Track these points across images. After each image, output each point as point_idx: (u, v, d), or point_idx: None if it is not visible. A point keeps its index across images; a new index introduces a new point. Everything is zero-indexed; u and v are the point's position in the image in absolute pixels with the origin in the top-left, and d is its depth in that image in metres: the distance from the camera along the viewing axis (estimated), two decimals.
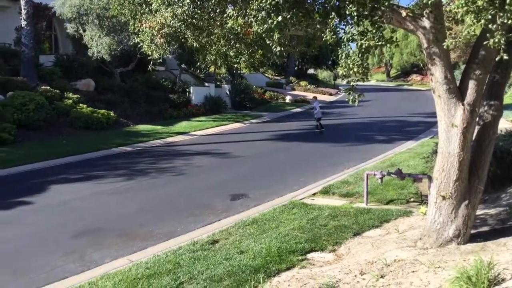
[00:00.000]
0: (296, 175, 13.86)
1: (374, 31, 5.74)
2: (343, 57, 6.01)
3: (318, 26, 6.49)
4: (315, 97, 24.13)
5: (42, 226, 10.09)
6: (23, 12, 23.33)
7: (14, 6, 26.77)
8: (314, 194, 11.58)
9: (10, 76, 22.79)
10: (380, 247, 7.17)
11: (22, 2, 23.26)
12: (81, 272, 7.58)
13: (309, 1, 6.38)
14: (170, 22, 8.37)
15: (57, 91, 23.01)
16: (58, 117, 21.75)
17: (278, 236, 8.12)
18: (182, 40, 10.03)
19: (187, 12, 8.05)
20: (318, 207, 10.15)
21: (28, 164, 15.99)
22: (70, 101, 22.84)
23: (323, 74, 71.97)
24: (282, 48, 6.49)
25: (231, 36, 8.94)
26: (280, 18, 5.75)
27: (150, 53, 10.34)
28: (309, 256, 7.33)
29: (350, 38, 5.81)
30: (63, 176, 14.63)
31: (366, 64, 5.97)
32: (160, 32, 9.06)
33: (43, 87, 22.89)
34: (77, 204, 11.62)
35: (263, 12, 5.78)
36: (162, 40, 9.21)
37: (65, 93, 23.39)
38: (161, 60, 14.01)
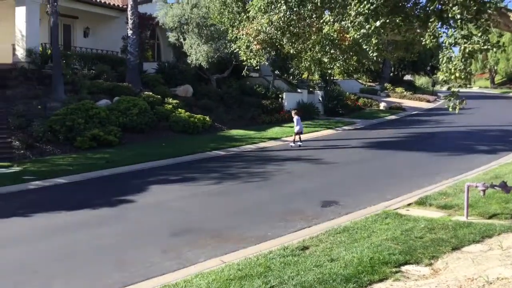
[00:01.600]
0: (390, 184, 13.43)
1: (479, 34, 5.43)
2: (444, 62, 5.75)
3: (417, 30, 6.28)
4: (296, 112, 21.34)
5: (142, 223, 10.70)
6: (130, 22, 24.96)
7: (122, 16, 28.74)
8: (409, 205, 11.15)
9: (117, 82, 24.46)
10: (481, 264, 6.73)
11: (129, 13, 24.91)
12: (177, 270, 7.92)
13: (408, 5, 6.19)
14: (266, 28, 8.53)
15: (158, 96, 24.31)
16: (159, 121, 22.95)
17: (371, 246, 7.91)
18: (278, 46, 10.17)
19: (283, 19, 8.16)
20: (413, 218, 9.75)
21: (131, 165, 17.03)
22: (170, 106, 24.01)
23: (420, 80, 69.21)
24: (379, 54, 6.35)
25: (326, 42, 8.91)
26: (378, 23, 5.64)
27: (246, 59, 10.60)
28: (403, 268, 7.07)
29: (453, 42, 5.54)
30: (162, 177, 15.41)
31: (469, 69, 5.67)
32: (256, 38, 9.27)
33: (146, 92, 24.31)
34: (174, 204, 12.18)
35: (361, 17, 5.70)
36: (258, 46, 9.41)
37: (165, 99, 24.65)
38: (258, 67, 14.31)
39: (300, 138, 20.65)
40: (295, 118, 20.61)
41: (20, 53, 24.20)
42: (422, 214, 10.09)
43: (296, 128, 20.47)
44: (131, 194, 13.07)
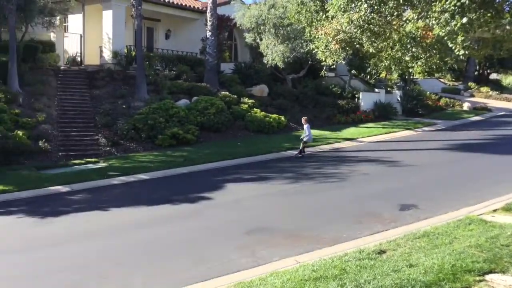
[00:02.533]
0: (473, 189, 12.76)
1: None
2: None
3: (507, 27, 5.91)
4: (306, 120, 19.31)
5: (219, 220, 10.95)
6: (209, 23, 25.61)
7: (201, 18, 29.54)
8: (494, 211, 10.53)
9: (195, 83, 25.19)
10: None
11: (208, 15, 25.56)
12: (252, 268, 8.02)
13: (498, 0, 5.84)
14: (346, 28, 8.41)
15: (235, 96, 24.74)
16: (235, 120, 23.35)
17: (452, 253, 7.56)
18: (357, 45, 10.00)
19: (363, 18, 8.01)
20: (500, 225, 9.20)
21: (208, 164, 17.46)
22: (246, 105, 24.35)
23: (508, 79, 65.03)
24: (466, 52, 6.05)
25: (408, 40, 8.63)
26: (465, 20, 5.37)
27: (323, 59, 10.52)
28: (487, 277, 6.69)
29: None
30: (237, 176, 15.67)
31: None
32: (335, 38, 9.16)
33: (223, 92, 24.83)
34: (249, 203, 12.35)
35: (446, 14, 5.46)
36: (337, 46, 9.30)
37: (241, 98, 25.03)
38: (334, 67, 14.15)
39: (304, 149, 18.89)
40: (305, 126, 18.94)
41: (107, 55, 25.61)
42: (510, 221, 9.50)
43: (306, 137, 18.82)
44: (208, 191, 13.41)
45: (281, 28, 25.64)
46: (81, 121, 20.56)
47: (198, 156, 18.54)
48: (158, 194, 13.66)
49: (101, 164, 17.48)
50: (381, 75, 33.65)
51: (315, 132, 23.87)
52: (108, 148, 19.27)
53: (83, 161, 17.77)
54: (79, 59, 26.59)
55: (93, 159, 18.04)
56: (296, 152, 18.69)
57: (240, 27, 28.46)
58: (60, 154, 18.19)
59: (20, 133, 17.48)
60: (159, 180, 15.48)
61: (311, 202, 12.37)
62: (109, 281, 7.72)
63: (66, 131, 19.60)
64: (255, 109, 24.22)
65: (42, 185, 14.42)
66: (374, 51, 9.33)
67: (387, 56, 9.17)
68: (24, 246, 9.61)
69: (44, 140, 18.09)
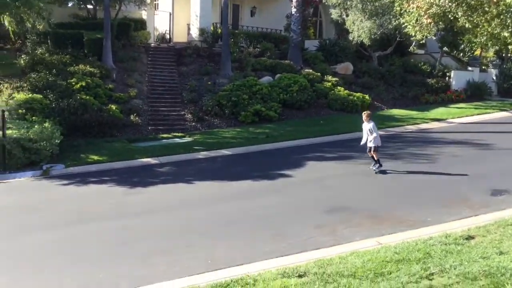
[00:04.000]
0: None
1: None
2: None
3: None
4: (367, 115, 13.10)
5: (299, 198, 11.00)
6: (294, 0, 25.34)
7: None
8: None
9: (279, 60, 25.16)
10: None
11: None
12: (332, 246, 8.01)
13: None
14: (440, 1, 7.95)
15: (318, 74, 24.43)
16: (317, 98, 23.10)
17: None
18: (451, 20, 9.42)
19: None
20: None
21: (289, 141, 17.50)
22: (329, 83, 23.98)
23: None
24: None
25: (508, 15, 7.98)
26: None
27: (413, 34, 10.04)
28: None
29: None
30: (318, 154, 15.58)
31: None
32: (427, 12, 8.70)
33: (306, 70, 24.61)
34: (329, 182, 12.26)
35: None
36: (428, 20, 8.83)
37: (324, 76, 24.67)
38: (423, 41, 13.46)
39: (376, 157, 13.02)
40: (370, 125, 12.84)
41: (194, 32, 26.27)
42: None
43: (371, 141, 12.78)
44: (289, 168, 13.47)
45: (368, 3, 24.76)
46: (169, 96, 21.37)
47: (279, 133, 18.63)
48: (240, 170, 13.96)
49: (187, 139, 18.14)
50: (475, 53, 31.61)
51: (401, 112, 23.06)
52: (193, 124, 19.91)
53: (170, 135, 18.55)
54: (168, 36, 27.53)
55: (179, 134, 18.76)
56: (373, 167, 12.94)
57: (326, 3, 27.85)
58: (149, 128, 19.09)
59: (113, 107, 18.52)
60: (241, 156, 15.79)
61: (395, 183, 12.04)
62: (194, 250, 8.05)
63: (155, 106, 20.49)
64: (338, 87, 23.78)
65: (133, 156, 15.25)
66: (469, 26, 8.72)
67: (483, 31, 8.51)
68: (114, 214, 10.26)
69: (135, 114, 19.04)
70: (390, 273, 6.40)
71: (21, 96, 16.97)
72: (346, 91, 23.44)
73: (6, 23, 19.16)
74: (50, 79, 18.31)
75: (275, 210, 10.12)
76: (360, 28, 25.25)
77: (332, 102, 22.83)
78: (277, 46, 26.90)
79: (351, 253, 7.34)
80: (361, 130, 13.33)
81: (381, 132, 18.61)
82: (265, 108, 20.65)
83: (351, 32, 25.97)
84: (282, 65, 24.39)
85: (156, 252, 8.02)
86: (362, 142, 12.97)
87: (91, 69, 20.03)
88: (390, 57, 28.45)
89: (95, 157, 15.07)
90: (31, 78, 18.27)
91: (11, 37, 21.22)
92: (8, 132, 13.74)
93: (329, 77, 24.66)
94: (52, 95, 17.49)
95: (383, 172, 12.76)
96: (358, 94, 23.46)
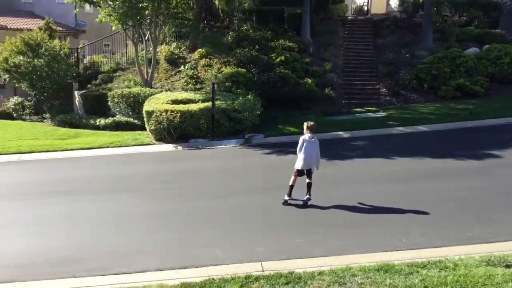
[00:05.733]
0: None
1: None
2: None
3: None
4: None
5: (508, 180, 9.91)
6: None
7: None
8: None
9: (488, 29, 22.69)
10: None
11: None
12: None
13: None
14: None
15: None
16: None
17: None
18: None
19: None
20: None
21: (495, 119, 15.81)
22: None
23: None
24: None
25: None
26: None
27: None
28: None
29: None
30: None
31: None
32: None
33: None
34: None
35: None
36: None
37: None
38: None
39: None
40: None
41: (394, 2, 25.28)
42: None
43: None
44: (496, 148, 12.22)
45: None
46: (363, 70, 21.05)
47: (485, 109, 16.96)
48: (439, 147, 13.13)
49: (381, 114, 17.71)
50: None
51: None
52: (388, 98, 19.34)
53: (363, 110, 18.35)
54: (365, 8, 27.00)
55: (373, 108, 18.43)
56: None
57: None
58: (343, 101, 19.16)
59: (309, 80, 19.01)
60: (440, 133, 14.82)
61: None
62: (389, 226, 7.88)
63: (349, 79, 20.41)
64: None
65: (327, 129, 15.49)
66: None
67: None
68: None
69: (329, 88, 19.27)
70: None
71: (228, 70, 18.53)
72: None
73: (217, 2, 20.98)
74: (253, 54, 19.57)
75: (481, 192, 9.30)
76: None
77: None
78: (487, 14, 24.22)
79: None
80: None
81: None
82: (469, 82, 18.96)
83: None
84: (491, 35, 21.96)
85: (349, 226, 8.06)
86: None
87: (290, 43, 20.79)
88: None
89: (291, 129, 15.73)
90: (236, 54, 19.77)
91: (220, 15, 23.19)
92: (217, 103, 15.15)
93: None
94: (254, 69, 18.70)
95: None
96: None
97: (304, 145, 8.93)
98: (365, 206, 8.88)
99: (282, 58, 19.60)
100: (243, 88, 17.50)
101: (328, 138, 14.78)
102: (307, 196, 8.88)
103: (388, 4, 25.96)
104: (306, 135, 9.05)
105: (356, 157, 12.66)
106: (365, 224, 8.06)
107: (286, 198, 9.01)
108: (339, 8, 24.79)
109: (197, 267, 6.68)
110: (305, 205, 8.85)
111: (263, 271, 6.48)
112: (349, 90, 19.82)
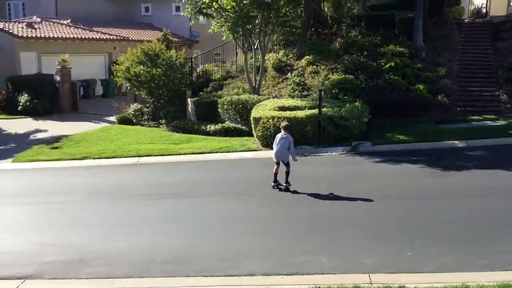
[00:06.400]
0: None
1: None
2: None
3: None
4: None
5: None
6: None
7: None
8: None
9: None
10: None
11: None
12: None
13: None
14: None
15: None
16: None
17: None
18: None
19: None
20: None
21: None
22: None
23: None
24: None
25: None
26: None
27: None
28: None
29: None
30: None
31: None
32: None
33: None
34: None
35: None
36: None
37: None
38: None
39: None
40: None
41: None
42: None
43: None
44: None
45: None
46: (481, 75, 19.66)
47: None
48: None
49: (501, 122, 16.51)
50: None
51: None
52: (508, 106, 18.00)
53: (481, 117, 17.22)
54: (484, 10, 25.31)
55: (491, 116, 17.24)
56: None
57: None
58: (457, 109, 18.10)
59: (421, 87, 18.21)
60: None
61: None
62: (503, 243, 7.30)
63: (465, 86, 19.20)
64: None
65: (440, 138, 14.76)
66: None
67: None
68: (419, 194, 10.07)
69: (443, 94, 18.30)
70: None
71: (335, 77, 18.37)
72: None
73: (325, 9, 20.93)
74: (361, 60, 19.21)
75: None
76: None
77: None
78: None
79: None
80: None
81: None
82: None
83: None
84: None
85: (465, 240, 7.58)
86: None
87: (400, 49, 20.09)
88: None
89: (400, 137, 15.19)
90: (344, 60, 19.53)
91: (328, 22, 23.11)
92: (323, 110, 15.07)
93: None
94: (362, 76, 18.34)
95: None
96: None
97: (277, 142, 10.64)
98: (483, 220, 8.30)
99: (392, 64, 19.00)
100: (350, 95, 17.23)
101: (442, 147, 14.08)
102: (285, 184, 10.57)
103: (509, 5, 24.07)
104: (280, 134, 10.75)
105: (473, 168, 11.89)
106: (484, 239, 7.54)
107: (272, 184, 10.74)
108: (454, 11, 23.51)
109: (302, 275, 6.69)
110: (286, 190, 10.50)
111: (371, 283, 6.32)
112: (464, 97, 18.66)
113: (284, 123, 11.13)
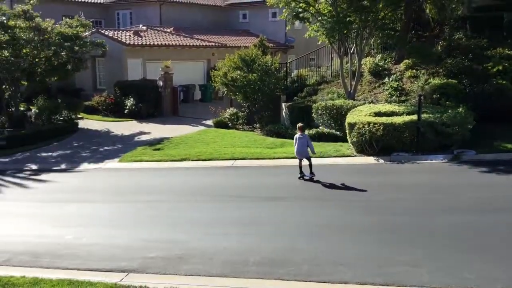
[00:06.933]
0: None
1: None
2: None
3: None
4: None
5: None
6: None
7: None
8: None
9: None
10: None
11: None
12: None
13: None
14: None
15: None
16: None
17: None
18: None
19: None
20: None
21: None
22: None
23: None
24: None
25: None
26: None
27: None
28: None
29: None
30: None
31: None
32: None
33: None
34: None
35: None
36: None
37: None
38: None
39: None
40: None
41: None
42: None
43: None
44: None
45: None
46: None
47: None
48: None
49: None
50: None
51: None
52: None
53: None
54: None
55: None
56: None
57: None
58: None
59: None
60: None
61: None
62: None
63: None
64: None
65: None
66: None
67: None
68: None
69: None
70: None
71: (436, 81, 17.51)
72: None
73: (427, 11, 20.06)
74: (465, 64, 18.15)
75: None
76: None
77: None
78: None
79: None
80: None
81: None
82: None
83: None
84: None
85: None
86: None
87: (509, 52, 18.68)
88: None
89: (508, 145, 14.13)
90: (446, 64, 18.57)
91: (430, 24, 22.11)
92: (423, 115, 14.42)
93: None
94: (466, 80, 17.32)
95: None
96: None
97: (296, 142, 12.35)
98: None
99: (500, 67, 17.71)
100: (452, 101, 16.33)
101: None
102: (310, 175, 12.21)
103: None
104: (297, 134, 12.43)
105: None
106: None
107: (298, 175, 12.29)
108: None
109: (399, 286, 6.44)
110: (311, 179, 12.09)
111: None
112: None
113: (299, 124, 12.70)
